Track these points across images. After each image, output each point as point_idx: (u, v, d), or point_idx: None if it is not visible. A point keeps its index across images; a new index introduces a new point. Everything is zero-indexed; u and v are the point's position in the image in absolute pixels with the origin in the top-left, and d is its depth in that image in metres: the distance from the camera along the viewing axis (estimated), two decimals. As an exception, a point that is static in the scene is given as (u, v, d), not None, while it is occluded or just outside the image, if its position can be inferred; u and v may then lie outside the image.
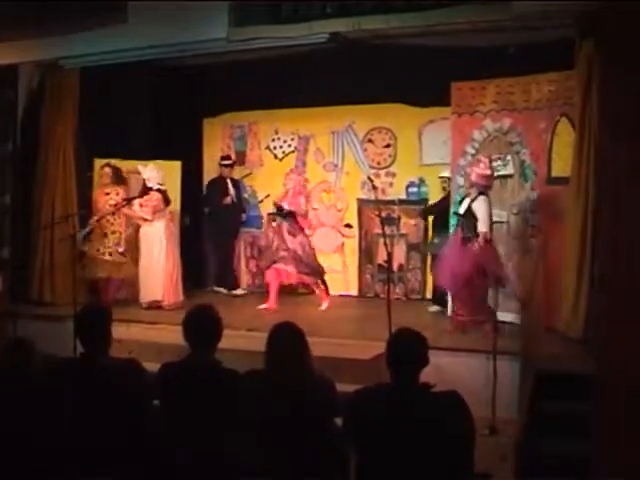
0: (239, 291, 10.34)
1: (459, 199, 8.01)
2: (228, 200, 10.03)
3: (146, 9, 7.98)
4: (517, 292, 7.29)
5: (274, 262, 8.95)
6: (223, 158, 10.36)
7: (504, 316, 7.16)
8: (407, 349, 3.59)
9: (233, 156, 10.61)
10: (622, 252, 2.44)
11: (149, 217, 8.94)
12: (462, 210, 7.63)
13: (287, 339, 3.94)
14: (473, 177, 7.63)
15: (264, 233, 9.43)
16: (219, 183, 10.24)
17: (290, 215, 8.98)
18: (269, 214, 9.29)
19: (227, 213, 10.14)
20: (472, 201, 7.55)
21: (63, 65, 8.93)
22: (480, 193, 7.55)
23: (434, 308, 8.84)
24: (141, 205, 8.97)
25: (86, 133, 9.39)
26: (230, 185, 10.20)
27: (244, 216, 10.51)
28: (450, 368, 6.09)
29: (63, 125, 9.27)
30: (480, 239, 7.34)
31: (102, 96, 9.12)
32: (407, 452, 3.39)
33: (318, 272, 9.03)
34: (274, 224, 9.15)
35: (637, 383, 2.63)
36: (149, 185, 8.95)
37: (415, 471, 3.38)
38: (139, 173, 9.12)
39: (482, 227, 7.36)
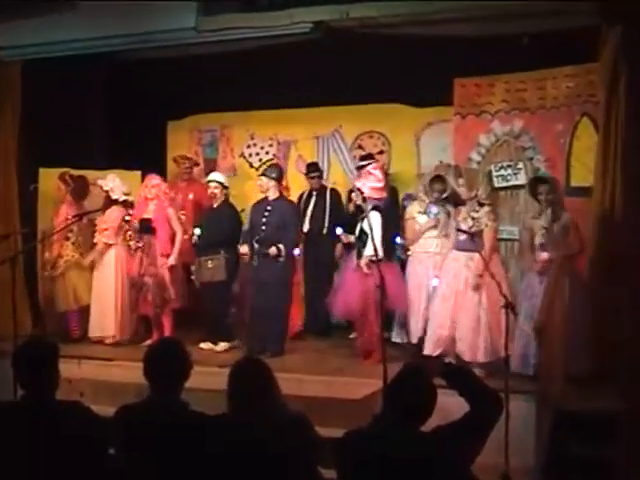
0: None
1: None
2: None
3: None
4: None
5: (141, 287, 8.59)
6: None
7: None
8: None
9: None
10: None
11: (112, 241, 8.74)
12: (357, 230, 7.75)
13: (249, 377, 3.93)
14: (366, 191, 7.64)
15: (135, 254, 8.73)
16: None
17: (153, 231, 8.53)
18: (138, 231, 8.62)
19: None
20: (363, 219, 7.60)
21: (2, 57, 8.84)
22: (373, 208, 7.61)
23: None
24: (101, 228, 8.75)
25: (30, 138, 9.26)
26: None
27: None
28: (454, 409, 5.99)
29: (2, 128, 9.18)
30: (365, 260, 7.51)
31: (49, 94, 9.02)
32: None
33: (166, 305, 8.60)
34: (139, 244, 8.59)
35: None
36: (114, 197, 8.75)
37: None
38: (94, 185, 8.96)
39: (376, 246, 7.30)
